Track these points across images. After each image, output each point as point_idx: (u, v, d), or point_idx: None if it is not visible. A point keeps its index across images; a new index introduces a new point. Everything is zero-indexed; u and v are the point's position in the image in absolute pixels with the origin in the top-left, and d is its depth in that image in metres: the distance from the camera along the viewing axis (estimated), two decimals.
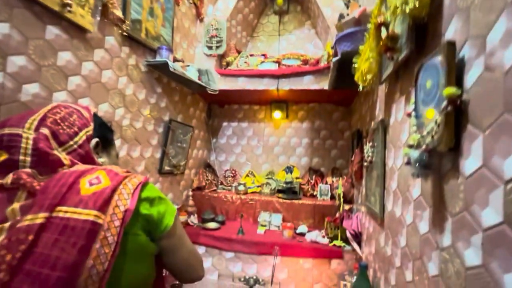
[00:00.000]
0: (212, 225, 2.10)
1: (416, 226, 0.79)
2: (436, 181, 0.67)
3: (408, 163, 0.69)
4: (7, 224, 0.44)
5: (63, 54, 1.13)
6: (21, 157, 0.51)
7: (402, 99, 0.94)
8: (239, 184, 2.45)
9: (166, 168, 2.01)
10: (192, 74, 1.94)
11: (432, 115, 0.59)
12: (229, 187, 2.61)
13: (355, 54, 1.14)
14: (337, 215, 1.98)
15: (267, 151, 2.78)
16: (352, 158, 1.85)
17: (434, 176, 0.68)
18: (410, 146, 0.68)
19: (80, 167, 0.55)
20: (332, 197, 2.32)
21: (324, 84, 2.07)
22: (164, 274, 0.70)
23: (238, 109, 2.87)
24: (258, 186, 2.54)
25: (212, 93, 2.21)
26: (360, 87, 1.15)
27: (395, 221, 1.00)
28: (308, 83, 2.14)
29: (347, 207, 2.08)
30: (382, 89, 1.26)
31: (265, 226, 2.16)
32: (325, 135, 2.67)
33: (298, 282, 1.83)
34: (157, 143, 1.90)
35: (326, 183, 2.43)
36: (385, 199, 1.15)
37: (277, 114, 2.65)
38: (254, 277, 1.77)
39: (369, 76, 1.04)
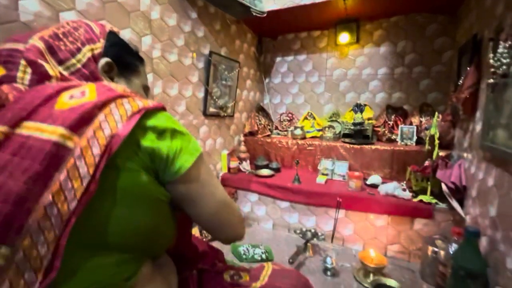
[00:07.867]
0: (265, 172, 1.90)
1: None
2: None
3: None
4: None
5: None
6: (19, 74, 0.42)
7: None
8: (296, 127, 2.10)
9: (212, 109, 1.80)
10: None
11: None
12: (285, 132, 2.31)
13: None
14: (427, 163, 1.48)
15: (331, 88, 2.28)
16: (461, 82, 1.25)
17: None
18: None
19: (73, 82, 0.43)
20: (419, 142, 1.77)
21: None
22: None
23: (293, 39, 2.36)
24: (318, 130, 2.15)
25: (259, 15, 1.79)
26: None
27: None
28: None
29: (443, 153, 1.53)
30: None
31: (326, 175, 1.83)
32: (413, 60, 1.97)
33: (368, 241, 1.51)
34: (198, 80, 1.68)
35: (411, 124, 1.85)
36: None
37: (344, 37, 2.06)
38: (312, 230, 1.53)
39: None
